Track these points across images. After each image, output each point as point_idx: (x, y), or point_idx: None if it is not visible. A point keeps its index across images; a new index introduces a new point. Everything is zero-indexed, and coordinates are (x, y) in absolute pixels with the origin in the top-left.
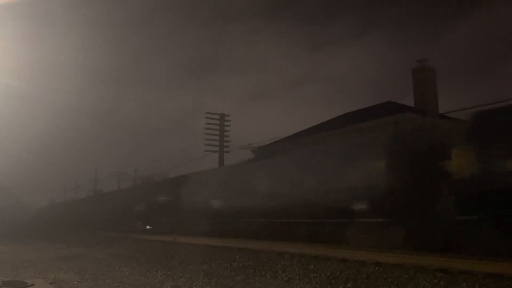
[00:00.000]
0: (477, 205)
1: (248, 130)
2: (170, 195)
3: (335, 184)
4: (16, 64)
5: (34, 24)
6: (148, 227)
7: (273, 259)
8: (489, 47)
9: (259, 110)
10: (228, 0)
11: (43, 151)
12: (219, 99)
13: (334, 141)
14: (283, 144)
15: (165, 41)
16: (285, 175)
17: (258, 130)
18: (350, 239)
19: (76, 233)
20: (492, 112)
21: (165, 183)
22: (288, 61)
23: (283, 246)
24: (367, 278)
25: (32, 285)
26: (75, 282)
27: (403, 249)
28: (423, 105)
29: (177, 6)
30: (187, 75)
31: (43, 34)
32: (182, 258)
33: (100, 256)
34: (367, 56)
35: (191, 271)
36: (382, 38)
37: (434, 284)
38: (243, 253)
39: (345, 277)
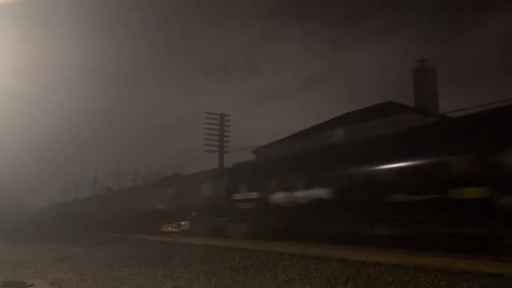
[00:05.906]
0: None
1: (255, 130)
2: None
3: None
4: (17, 64)
5: (34, 24)
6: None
7: (273, 259)
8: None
9: (271, 109)
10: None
11: (43, 151)
12: (231, 99)
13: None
14: (283, 144)
15: (182, 42)
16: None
17: (265, 130)
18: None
19: (76, 233)
20: None
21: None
22: (310, 61)
23: (283, 246)
24: (367, 278)
25: (32, 285)
26: (75, 282)
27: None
28: (423, 105)
29: (198, 6)
30: (202, 76)
31: (43, 35)
32: (182, 258)
33: (100, 256)
34: (391, 56)
35: (191, 271)
36: (408, 39)
37: (434, 285)
38: (243, 253)
39: (346, 277)
